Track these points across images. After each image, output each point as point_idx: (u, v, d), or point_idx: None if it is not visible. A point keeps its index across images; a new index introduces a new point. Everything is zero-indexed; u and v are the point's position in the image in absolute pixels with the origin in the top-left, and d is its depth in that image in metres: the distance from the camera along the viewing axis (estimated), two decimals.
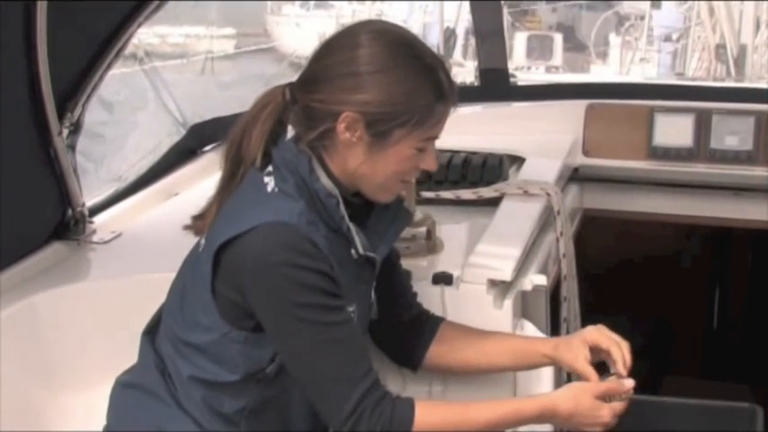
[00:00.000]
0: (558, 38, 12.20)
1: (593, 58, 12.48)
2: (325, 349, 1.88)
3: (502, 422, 2.01)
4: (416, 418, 1.91)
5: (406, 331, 2.19)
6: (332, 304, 1.89)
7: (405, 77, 1.91)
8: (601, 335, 2.10)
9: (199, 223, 2.10)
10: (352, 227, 1.97)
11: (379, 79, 1.90)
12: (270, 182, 1.95)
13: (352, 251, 1.98)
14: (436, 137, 1.99)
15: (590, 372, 2.07)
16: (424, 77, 1.93)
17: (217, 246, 1.91)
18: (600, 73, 11.69)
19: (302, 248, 1.86)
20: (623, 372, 2.05)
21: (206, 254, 1.95)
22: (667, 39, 11.98)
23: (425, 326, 2.23)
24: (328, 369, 1.89)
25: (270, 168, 1.97)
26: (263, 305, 1.89)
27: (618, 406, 2.00)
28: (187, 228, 2.13)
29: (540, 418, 2.03)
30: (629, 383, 2.03)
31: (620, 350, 2.07)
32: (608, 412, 1.98)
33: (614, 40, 12.52)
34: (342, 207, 1.95)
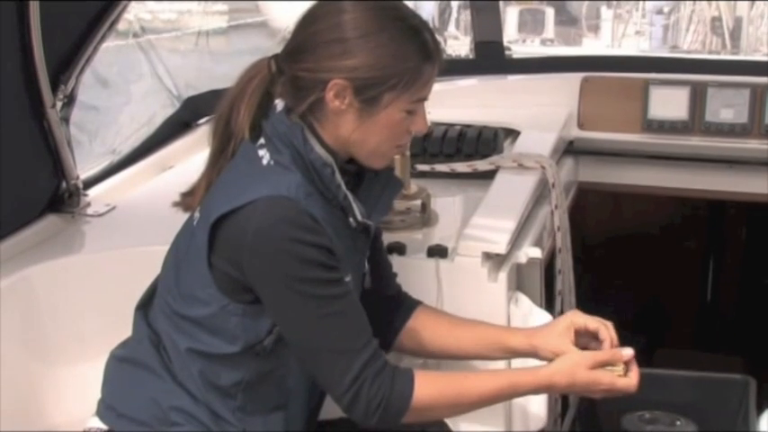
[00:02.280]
0: (550, 11, 12.15)
1: (585, 31, 12.45)
2: (325, 322, 1.88)
3: (499, 394, 2.02)
4: (416, 389, 1.92)
5: (381, 310, 2.16)
6: (331, 277, 1.89)
7: (391, 40, 1.89)
8: (587, 317, 2.09)
9: (188, 199, 2.09)
10: (350, 195, 1.97)
11: (366, 43, 1.88)
12: (265, 155, 1.94)
13: (350, 220, 1.97)
14: (425, 98, 1.97)
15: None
16: (410, 39, 1.91)
17: (213, 219, 1.90)
18: (592, 46, 11.66)
19: (302, 223, 1.85)
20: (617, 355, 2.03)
21: (201, 228, 1.94)
22: (659, 12, 11.94)
23: (401, 307, 2.22)
24: (329, 342, 1.89)
25: (262, 141, 1.96)
26: (262, 280, 1.89)
27: (621, 381, 1.98)
28: (176, 204, 2.11)
29: (536, 391, 2.04)
30: (628, 350, 2.02)
31: (607, 330, 2.06)
32: (607, 379, 1.98)
33: (606, 13, 12.48)
34: (338, 176, 1.94)
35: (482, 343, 2.16)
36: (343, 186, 1.95)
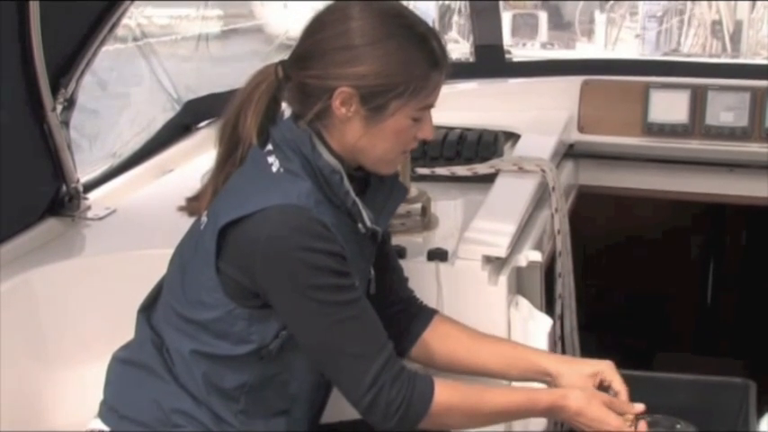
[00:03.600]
0: (543, 16, 12.15)
1: (579, 35, 12.45)
2: (340, 328, 1.89)
3: (515, 410, 2.02)
4: (435, 394, 1.92)
5: (395, 316, 2.18)
6: (344, 284, 1.89)
7: (399, 48, 1.89)
8: (617, 376, 2.09)
9: (194, 204, 2.09)
10: (358, 201, 1.97)
11: (374, 51, 1.88)
12: (274, 162, 1.93)
13: (359, 226, 1.97)
14: (432, 105, 1.98)
15: None
16: (417, 47, 1.91)
17: (221, 225, 1.90)
18: (585, 50, 11.65)
19: (314, 231, 1.85)
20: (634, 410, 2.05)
21: (209, 233, 1.94)
22: (652, 16, 11.92)
23: (418, 315, 2.22)
24: (345, 347, 1.89)
25: (270, 147, 1.96)
26: (276, 288, 1.89)
27: (628, 430, 2.00)
28: (182, 209, 2.11)
29: (550, 410, 2.04)
30: (640, 406, 2.04)
31: (627, 394, 2.07)
32: (616, 423, 1.99)
33: (599, 17, 12.48)
34: (346, 182, 1.95)
35: (501, 360, 2.16)
36: (352, 193, 1.95)
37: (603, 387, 2.09)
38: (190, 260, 2.01)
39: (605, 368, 2.11)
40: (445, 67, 1.96)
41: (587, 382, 2.09)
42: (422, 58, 1.91)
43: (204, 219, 2.01)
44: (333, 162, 1.94)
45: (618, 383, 2.09)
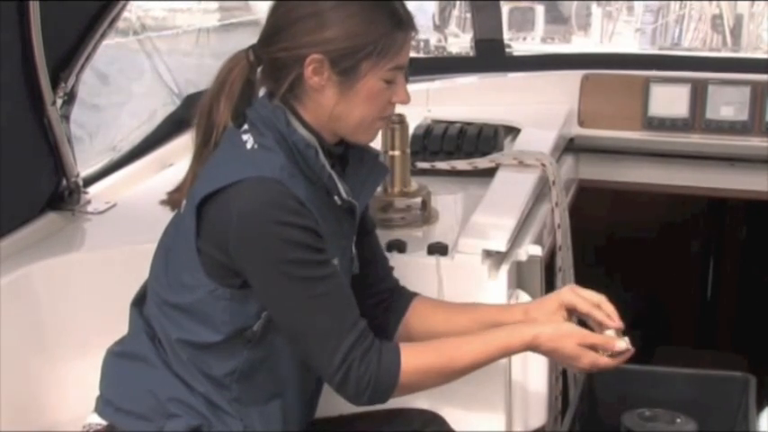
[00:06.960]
0: (540, 9, 12.14)
1: (575, 29, 12.44)
2: (312, 304, 1.90)
3: (488, 359, 2.03)
4: (402, 365, 1.93)
5: (380, 304, 2.20)
6: (318, 259, 1.90)
7: (361, 9, 1.93)
8: (577, 297, 2.09)
9: (175, 196, 2.10)
10: (334, 174, 1.98)
11: (337, 14, 1.92)
12: (248, 139, 1.95)
13: (335, 198, 1.98)
14: (402, 66, 2.00)
15: None
16: (379, 7, 1.95)
17: (198, 200, 1.91)
18: (582, 44, 11.62)
19: (288, 205, 1.87)
20: (611, 324, 2.05)
21: (188, 211, 1.96)
22: (649, 10, 11.92)
23: (399, 301, 2.23)
24: (317, 323, 1.90)
25: (246, 126, 1.98)
26: (249, 263, 1.90)
27: (602, 360, 2.00)
28: (164, 203, 2.13)
29: (524, 350, 2.05)
30: (621, 345, 2.02)
31: (599, 311, 2.07)
32: (588, 362, 2.00)
33: (596, 10, 12.48)
34: (321, 156, 1.96)
35: (480, 325, 2.15)
36: (328, 166, 1.97)
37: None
38: (172, 244, 2.03)
39: (565, 296, 2.10)
40: (410, 28, 1.99)
41: (557, 317, 2.08)
42: (385, 18, 1.95)
43: (184, 202, 2.02)
44: (307, 136, 1.96)
45: (582, 305, 2.07)
